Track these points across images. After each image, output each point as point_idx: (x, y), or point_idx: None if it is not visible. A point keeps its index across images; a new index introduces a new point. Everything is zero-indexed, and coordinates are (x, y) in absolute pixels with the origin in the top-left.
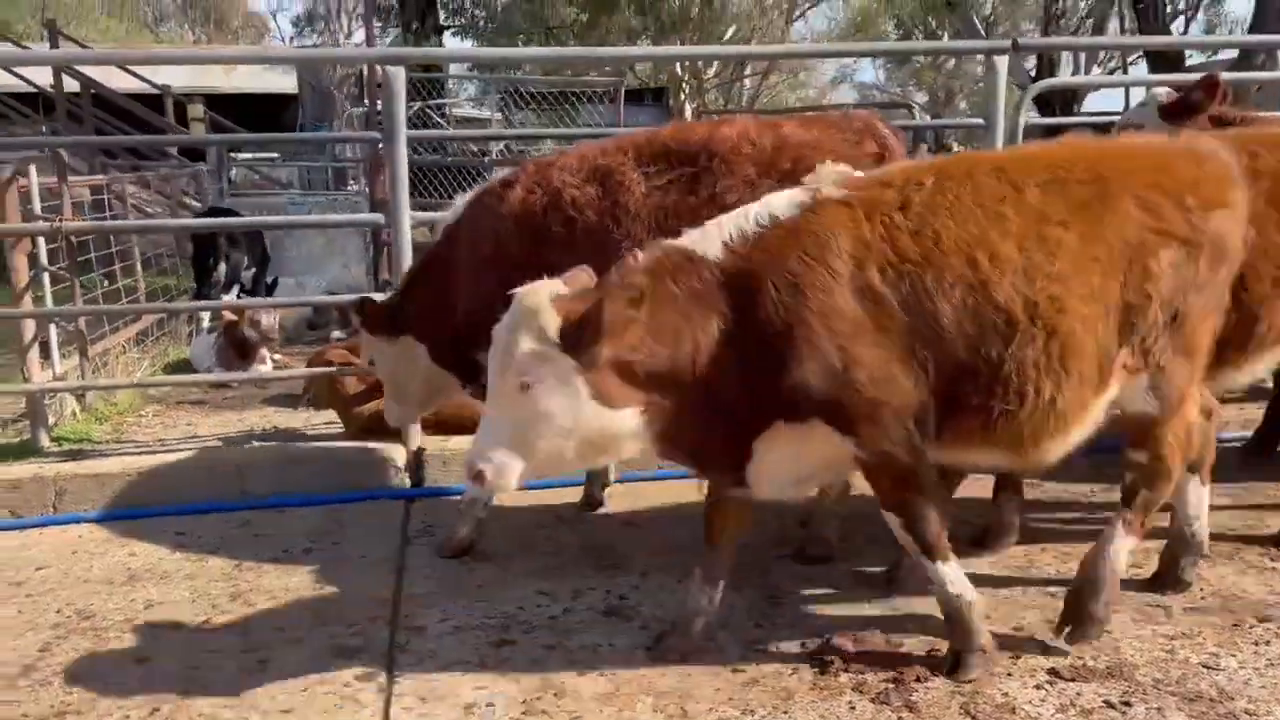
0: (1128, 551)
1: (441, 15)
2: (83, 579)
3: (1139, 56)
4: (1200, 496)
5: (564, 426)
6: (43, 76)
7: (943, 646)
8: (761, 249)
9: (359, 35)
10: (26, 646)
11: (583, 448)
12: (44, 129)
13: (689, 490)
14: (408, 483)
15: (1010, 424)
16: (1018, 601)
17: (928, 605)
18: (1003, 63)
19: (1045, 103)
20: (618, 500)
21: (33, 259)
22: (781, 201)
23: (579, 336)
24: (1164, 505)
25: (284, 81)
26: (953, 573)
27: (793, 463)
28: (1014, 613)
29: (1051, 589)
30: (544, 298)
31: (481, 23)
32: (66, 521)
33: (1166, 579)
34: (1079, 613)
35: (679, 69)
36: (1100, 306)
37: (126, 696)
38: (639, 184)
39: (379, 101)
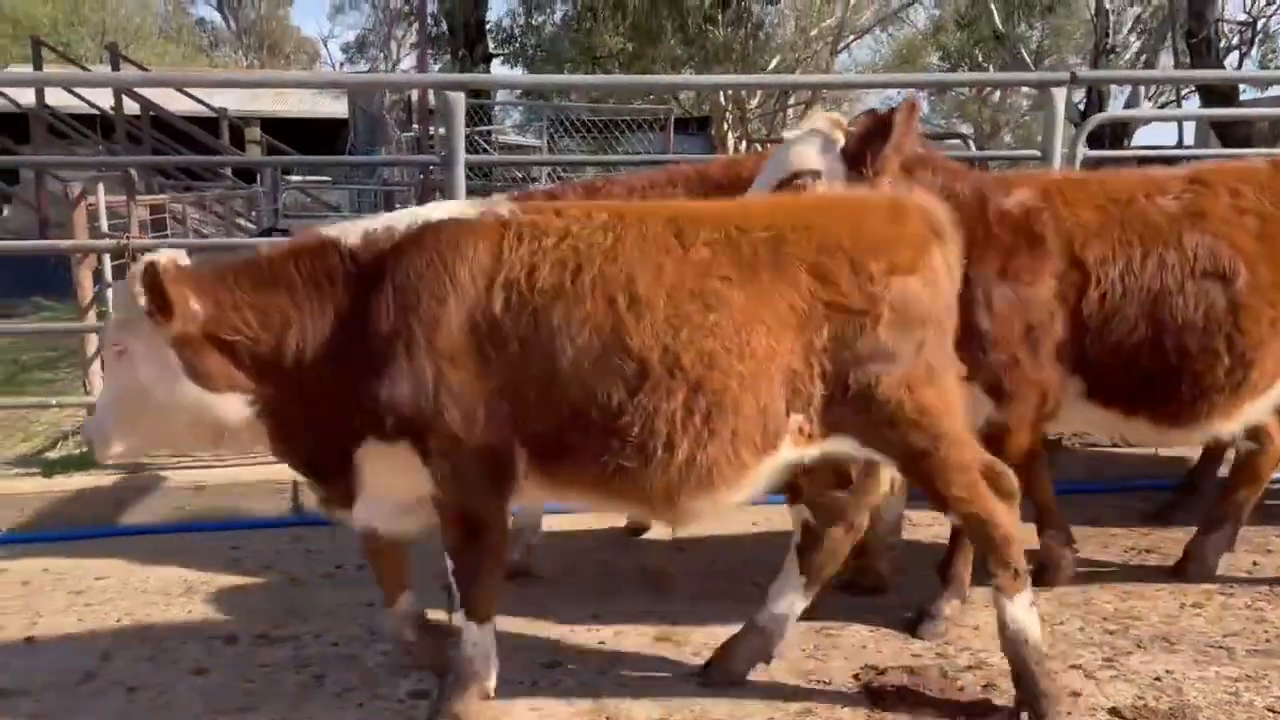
0: (1025, 608)
1: (490, 44)
2: (140, 590)
3: (1191, 90)
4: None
5: (160, 401)
6: (103, 98)
7: (1001, 682)
8: (398, 248)
9: (407, 62)
10: (87, 654)
11: (193, 427)
12: (103, 149)
13: (738, 517)
14: None
15: (633, 477)
16: (1074, 639)
17: (983, 640)
18: (1061, 95)
19: (1096, 136)
20: None
21: (97, 275)
22: (444, 208)
23: (152, 306)
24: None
25: (336, 106)
26: (481, 638)
27: (388, 489)
28: (1071, 651)
29: (1110, 626)
30: (148, 267)
31: (530, 51)
32: (125, 533)
33: None
34: (1028, 696)
35: (722, 99)
36: (765, 365)
37: (185, 707)
38: None
39: (431, 126)
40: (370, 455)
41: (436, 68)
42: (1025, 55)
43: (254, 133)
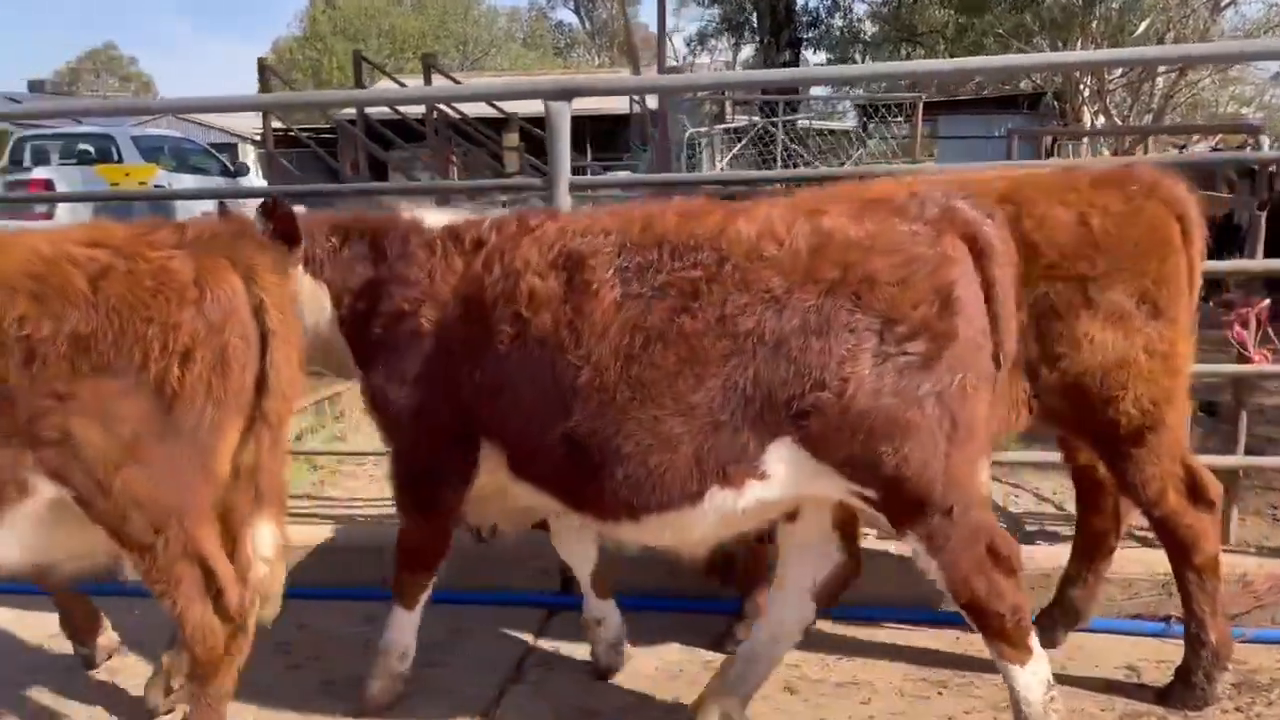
0: None
1: (797, 28)
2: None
3: None
4: None
5: None
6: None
7: None
8: None
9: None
10: None
11: None
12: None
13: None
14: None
15: None
16: None
17: None
18: None
19: None
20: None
21: None
22: None
23: None
24: None
25: (618, 104)
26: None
27: None
28: None
29: None
30: None
31: (838, 33)
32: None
33: None
34: None
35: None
36: None
37: None
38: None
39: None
40: None
41: (742, 56)
42: None
43: (513, 138)
